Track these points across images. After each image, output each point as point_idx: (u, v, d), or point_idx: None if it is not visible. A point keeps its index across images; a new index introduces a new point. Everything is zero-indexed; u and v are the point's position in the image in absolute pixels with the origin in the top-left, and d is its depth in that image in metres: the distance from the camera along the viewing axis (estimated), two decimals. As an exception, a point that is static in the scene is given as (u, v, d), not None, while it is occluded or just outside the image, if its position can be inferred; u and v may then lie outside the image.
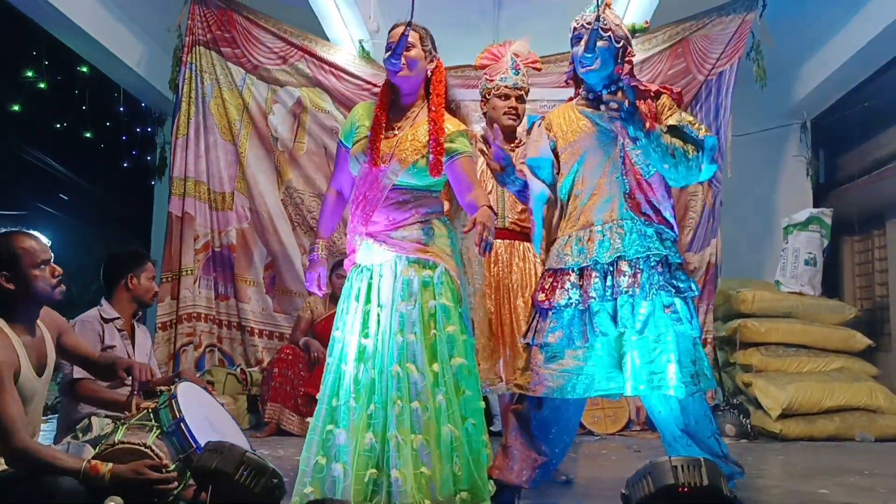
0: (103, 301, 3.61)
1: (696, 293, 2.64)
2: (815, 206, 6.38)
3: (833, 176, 6.89)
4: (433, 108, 2.70)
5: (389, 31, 2.74)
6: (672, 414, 2.65)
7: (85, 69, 6.32)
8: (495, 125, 3.05)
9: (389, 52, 2.64)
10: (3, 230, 2.59)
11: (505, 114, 3.45)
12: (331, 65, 5.24)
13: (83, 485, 2.22)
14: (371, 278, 2.66)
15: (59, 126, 6.61)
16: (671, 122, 2.70)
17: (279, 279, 5.29)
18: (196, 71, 5.18)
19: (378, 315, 2.60)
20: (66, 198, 11.70)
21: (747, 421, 4.97)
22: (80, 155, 8.58)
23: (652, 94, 2.76)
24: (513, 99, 3.45)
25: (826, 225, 5.75)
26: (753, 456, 4.37)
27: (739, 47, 5.09)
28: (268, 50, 5.22)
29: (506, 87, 3.45)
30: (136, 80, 6.34)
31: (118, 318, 3.58)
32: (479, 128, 3.45)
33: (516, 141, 3.57)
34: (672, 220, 2.69)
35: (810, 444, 4.73)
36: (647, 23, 2.90)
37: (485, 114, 3.59)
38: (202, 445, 2.33)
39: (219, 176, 5.21)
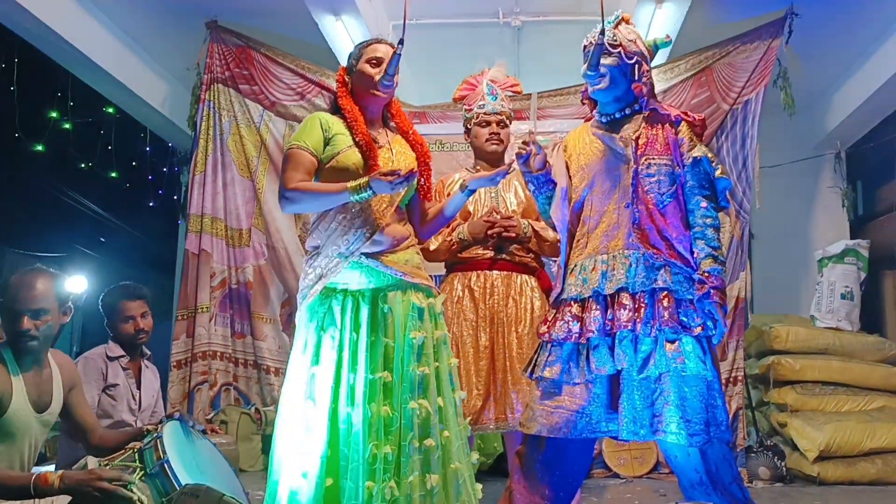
0: (109, 339, 3.60)
1: (712, 332, 2.45)
2: (853, 238, 6.16)
3: (871, 207, 6.66)
4: (409, 130, 2.66)
5: (371, 44, 2.63)
6: (690, 460, 2.46)
7: (111, 110, 6.41)
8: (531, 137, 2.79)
9: (383, 73, 2.54)
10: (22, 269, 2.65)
11: (487, 140, 3.38)
12: (348, 100, 5.21)
13: (35, 495, 2.17)
14: (370, 304, 2.43)
15: (84, 166, 6.69)
16: (696, 153, 2.58)
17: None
18: (214, 108, 5.20)
19: (386, 346, 2.40)
20: (103, 239, 11.88)
21: (783, 463, 4.72)
22: (108, 195, 8.71)
23: (672, 119, 2.63)
24: (494, 125, 3.39)
25: (863, 257, 5.52)
26: (789, 501, 4.17)
27: (765, 75, 4.94)
28: (285, 86, 5.22)
29: (484, 113, 3.40)
30: (161, 121, 6.42)
31: (123, 356, 3.55)
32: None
33: (504, 166, 3.49)
34: (688, 256, 2.52)
35: (850, 489, 4.48)
36: (668, 37, 2.77)
37: (471, 144, 3.52)
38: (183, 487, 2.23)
39: (236, 212, 5.18)
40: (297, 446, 2.32)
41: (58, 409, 2.67)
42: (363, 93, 2.58)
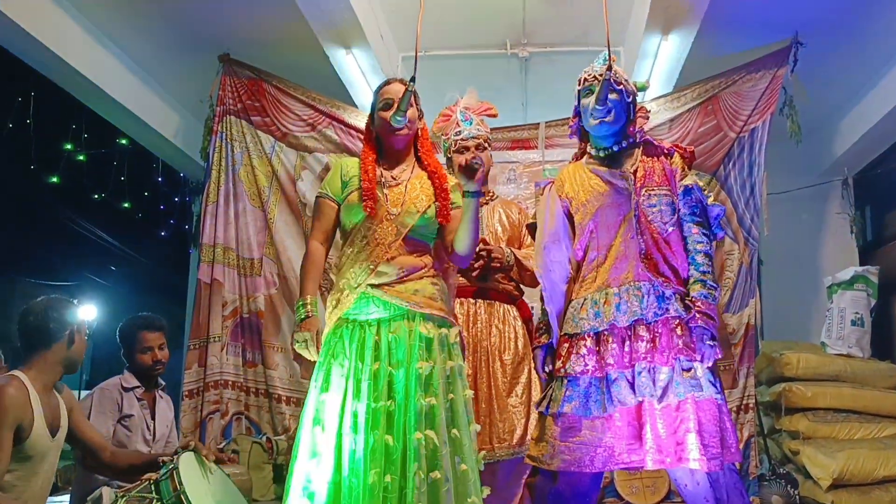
0: (125, 370, 3.63)
1: (719, 356, 2.49)
2: (862, 264, 6.15)
3: (880, 233, 6.66)
4: (428, 160, 2.71)
5: (384, 87, 2.73)
6: (700, 488, 2.47)
7: (124, 141, 6.50)
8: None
9: (394, 110, 2.62)
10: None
11: None
12: (358, 130, 5.23)
13: None
14: (377, 334, 2.49)
15: (97, 197, 6.78)
16: (687, 181, 2.65)
17: (307, 345, 5.22)
18: (226, 139, 5.26)
19: (391, 375, 2.43)
20: (114, 268, 11.96)
21: (795, 492, 4.69)
22: (120, 225, 8.79)
23: (665, 151, 2.69)
24: (472, 149, 3.40)
25: (872, 283, 5.52)
26: (802, 530, 4.14)
27: (771, 103, 4.98)
28: (297, 117, 5.28)
29: (461, 139, 3.42)
30: (173, 151, 6.51)
31: (139, 387, 3.58)
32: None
33: (489, 193, 3.51)
34: None
35: (865, 518, 4.45)
36: (647, 82, 2.88)
37: (453, 172, 3.54)
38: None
39: (248, 242, 5.22)
40: (307, 471, 2.38)
41: (65, 433, 2.72)
42: (385, 135, 2.70)
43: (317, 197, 2.77)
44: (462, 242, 2.64)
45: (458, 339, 2.61)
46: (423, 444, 2.35)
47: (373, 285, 2.52)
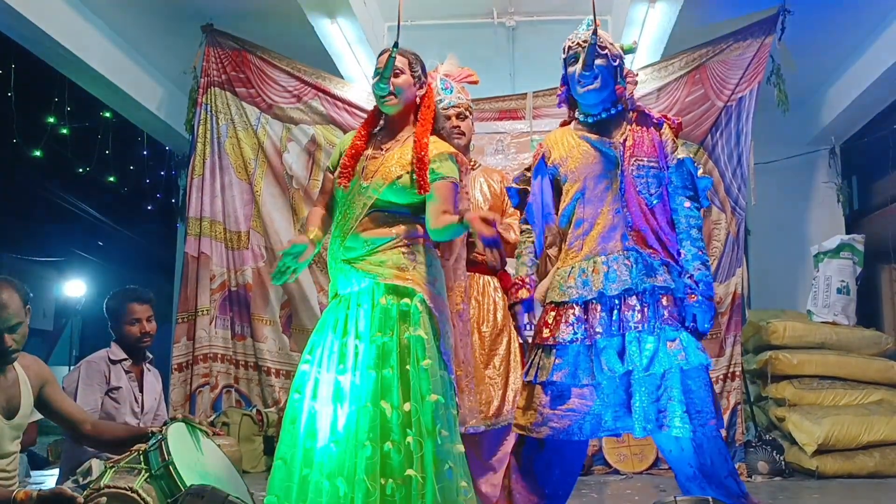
0: (112, 342, 3.62)
1: (707, 327, 2.50)
2: (848, 233, 6.19)
3: (866, 202, 6.70)
4: (418, 128, 2.63)
5: (378, 57, 2.69)
6: (684, 454, 2.49)
7: (108, 114, 6.43)
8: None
9: (378, 78, 2.59)
10: None
11: (448, 135, 3.34)
12: (345, 101, 5.23)
13: None
14: (349, 308, 2.51)
15: (81, 171, 6.72)
16: (680, 155, 2.62)
17: (296, 318, 5.23)
18: (211, 111, 5.22)
19: (356, 348, 2.44)
20: (101, 243, 11.88)
21: (781, 457, 4.76)
22: (106, 200, 8.72)
23: (655, 121, 2.67)
24: (453, 118, 3.34)
25: (858, 252, 5.56)
26: (788, 494, 4.20)
27: (759, 72, 4.97)
28: (282, 89, 5.24)
29: (442, 108, 3.35)
30: (158, 124, 6.46)
31: (126, 360, 3.57)
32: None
33: (471, 162, 3.46)
34: (676, 254, 2.57)
35: (849, 482, 4.52)
36: (635, 42, 2.83)
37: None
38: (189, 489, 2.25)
39: (234, 215, 5.21)
40: (285, 436, 2.45)
41: (28, 410, 2.65)
42: (379, 105, 2.68)
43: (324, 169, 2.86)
44: (437, 235, 2.60)
45: (421, 306, 2.51)
46: (374, 414, 2.34)
47: (346, 259, 2.54)
